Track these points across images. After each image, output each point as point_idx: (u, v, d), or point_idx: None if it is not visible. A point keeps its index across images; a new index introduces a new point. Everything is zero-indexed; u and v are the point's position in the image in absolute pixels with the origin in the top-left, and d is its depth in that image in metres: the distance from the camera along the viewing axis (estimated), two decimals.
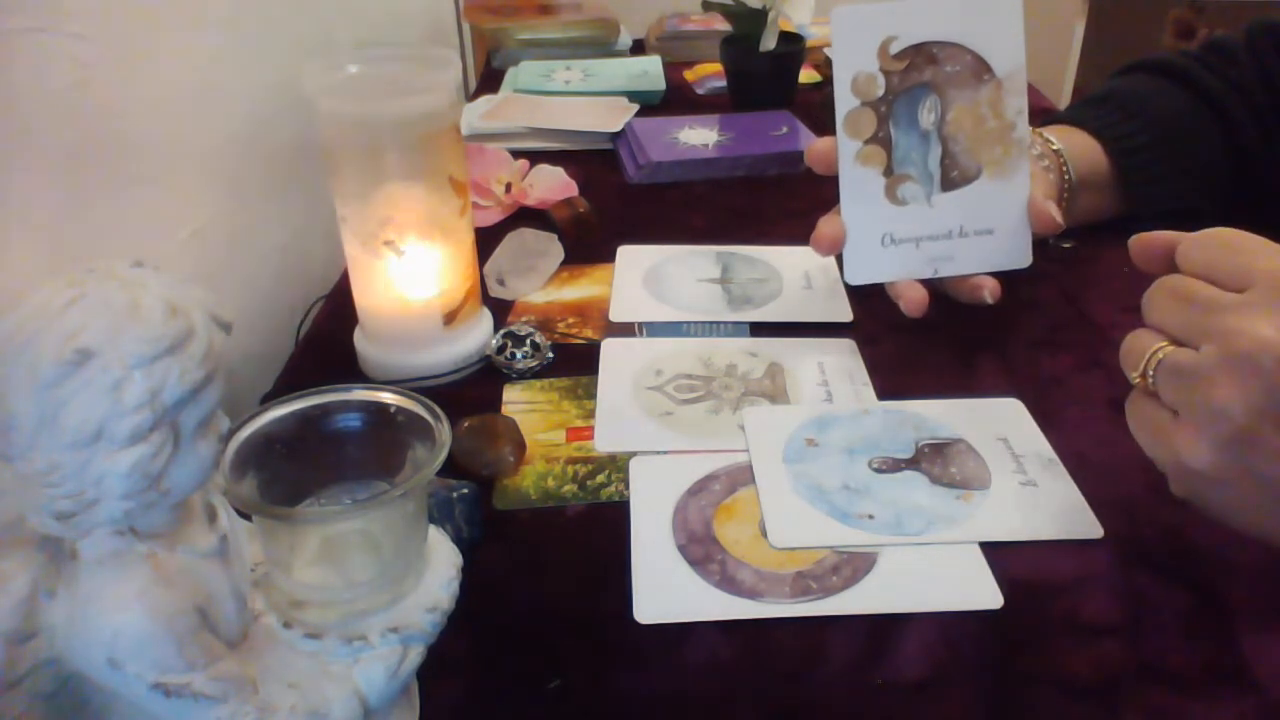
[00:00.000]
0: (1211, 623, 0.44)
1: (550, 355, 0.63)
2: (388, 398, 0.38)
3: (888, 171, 0.57)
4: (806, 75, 1.17)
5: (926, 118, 0.57)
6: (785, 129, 0.98)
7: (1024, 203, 0.59)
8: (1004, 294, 0.59)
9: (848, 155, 0.57)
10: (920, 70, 0.57)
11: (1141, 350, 0.41)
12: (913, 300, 0.58)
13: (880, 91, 0.56)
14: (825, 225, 0.58)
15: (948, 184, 0.58)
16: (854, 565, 0.47)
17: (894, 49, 0.56)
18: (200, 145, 0.67)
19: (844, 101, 0.56)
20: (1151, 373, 0.40)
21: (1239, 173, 0.71)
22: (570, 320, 0.68)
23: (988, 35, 0.57)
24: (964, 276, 0.59)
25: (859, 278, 0.59)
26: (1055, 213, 0.59)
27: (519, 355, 0.62)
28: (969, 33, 0.56)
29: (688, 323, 0.68)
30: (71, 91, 0.52)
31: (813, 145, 0.60)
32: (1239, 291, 0.38)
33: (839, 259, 0.59)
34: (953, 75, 0.57)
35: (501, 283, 0.71)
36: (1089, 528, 0.49)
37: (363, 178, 0.57)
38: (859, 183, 0.57)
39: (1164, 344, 0.40)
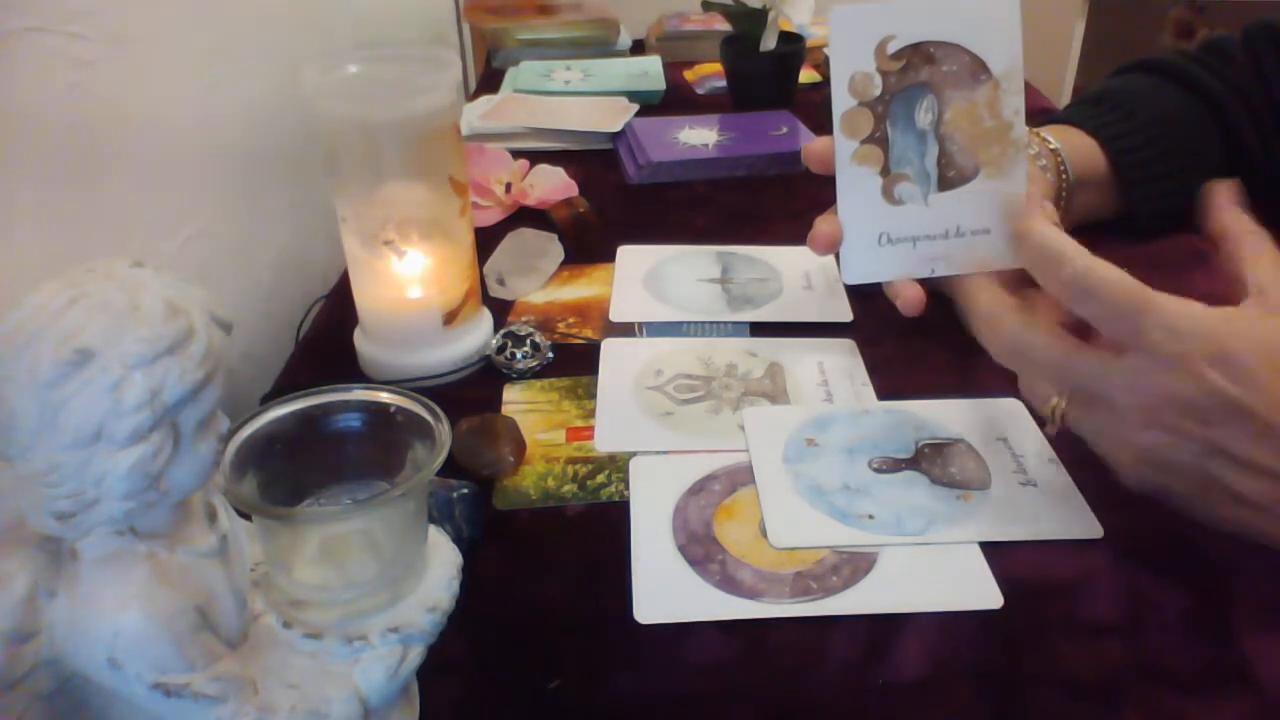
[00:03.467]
0: (1211, 623, 0.44)
1: (550, 355, 0.63)
2: (388, 398, 0.38)
3: (884, 171, 0.57)
4: (806, 75, 1.17)
5: (923, 117, 0.57)
6: (785, 129, 0.98)
7: (1021, 202, 0.59)
8: None
9: (844, 155, 0.57)
10: (917, 70, 0.57)
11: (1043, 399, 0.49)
12: (910, 299, 0.58)
13: (877, 91, 0.56)
14: (822, 224, 0.59)
15: (945, 184, 0.58)
16: (854, 565, 0.47)
17: (891, 49, 0.56)
18: (200, 145, 0.67)
19: (841, 101, 0.56)
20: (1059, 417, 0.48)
21: (1236, 172, 0.71)
22: (570, 320, 0.68)
23: (985, 35, 0.57)
24: (962, 276, 0.59)
25: (856, 277, 0.59)
26: (1052, 212, 0.59)
27: (519, 355, 0.62)
28: (966, 32, 0.56)
29: (688, 323, 0.68)
30: (71, 91, 0.52)
31: (810, 145, 0.60)
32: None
33: (837, 258, 0.59)
34: (950, 75, 0.57)
35: (501, 283, 0.71)
36: (1089, 528, 0.49)
37: (363, 178, 0.57)
38: (856, 182, 0.57)
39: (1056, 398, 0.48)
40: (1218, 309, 0.43)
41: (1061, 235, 0.47)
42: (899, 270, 0.59)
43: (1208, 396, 0.41)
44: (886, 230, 0.58)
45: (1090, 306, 0.44)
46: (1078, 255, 0.45)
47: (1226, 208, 0.47)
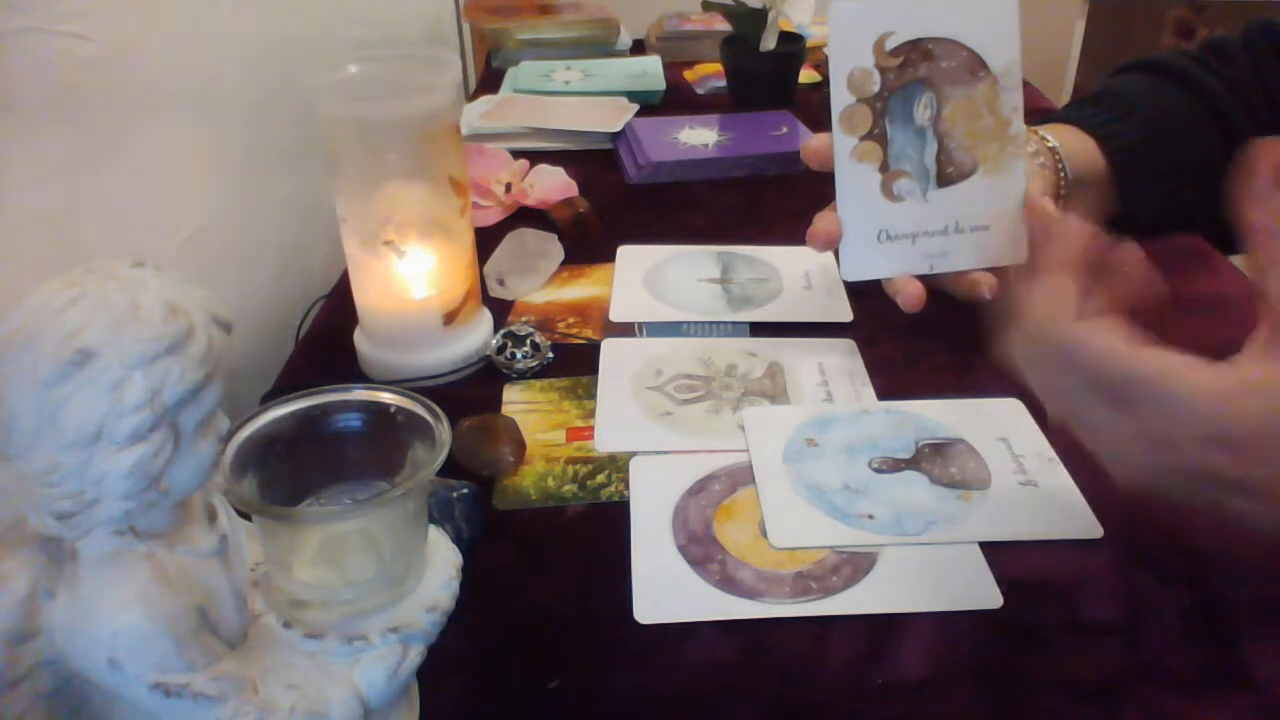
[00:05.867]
0: (1211, 623, 0.44)
1: (550, 355, 0.63)
2: (388, 398, 0.38)
3: (883, 168, 0.57)
4: (806, 75, 1.17)
5: (922, 114, 0.57)
6: (785, 129, 0.98)
7: (1020, 199, 0.59)
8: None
9: (843, 151, 0.57)
10: (916, 66, 0.57)
11: None
12: (910, 295, 0.57)
13: (876, 88, 0.56)
14: (821, 221, 0.58)
15: (944, 180, 0.58)
16: (854, 565, 0.47)
17: (890, 45, 0.56)
18: (200, 145, 0.67)
19: (840, 98, 0.56)
20: None
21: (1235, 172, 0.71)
22: (570, 320, 0.68)
23: (983, 31, 0.57)
24: (961, 273, 0.59)
25: (855, 274, 0.59)
26: (1051, 209, 0.59)
27: (519, 355, 0.62)
28: (965, 29, 0.56)
29: (688, 323, 0.68)
30: (71, 91, 0.52)
31: (809, 142, 0.60)
32: None
33: (836, 256, 0.59)
34: (948, 71, 0.57)
35: (501, 283, 0.71)
36: (1089, 528, 0.49)
37: (363, 178, 0.57)
38: (855, 179, 0.57)
39: None
40: (1214, 375, 0.37)
41: (1050, 299, 0.41)
42: (898, 267, 0.59)
43: (1206, 470, 0.37)
44: (886, 227, 0.58)
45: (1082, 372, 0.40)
46: (1061, 326, 0.40)
47: (1264, 196, 0.40)
